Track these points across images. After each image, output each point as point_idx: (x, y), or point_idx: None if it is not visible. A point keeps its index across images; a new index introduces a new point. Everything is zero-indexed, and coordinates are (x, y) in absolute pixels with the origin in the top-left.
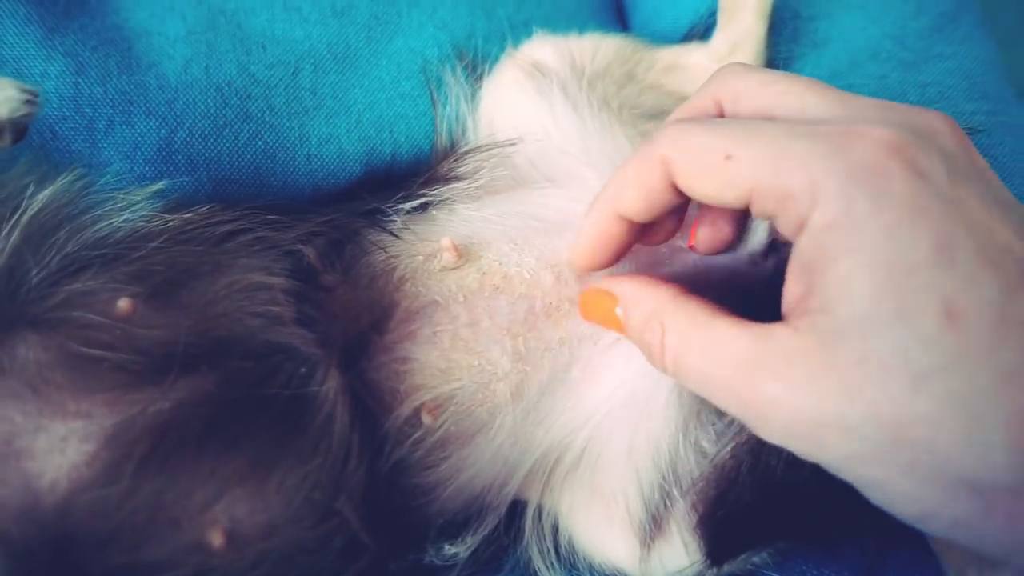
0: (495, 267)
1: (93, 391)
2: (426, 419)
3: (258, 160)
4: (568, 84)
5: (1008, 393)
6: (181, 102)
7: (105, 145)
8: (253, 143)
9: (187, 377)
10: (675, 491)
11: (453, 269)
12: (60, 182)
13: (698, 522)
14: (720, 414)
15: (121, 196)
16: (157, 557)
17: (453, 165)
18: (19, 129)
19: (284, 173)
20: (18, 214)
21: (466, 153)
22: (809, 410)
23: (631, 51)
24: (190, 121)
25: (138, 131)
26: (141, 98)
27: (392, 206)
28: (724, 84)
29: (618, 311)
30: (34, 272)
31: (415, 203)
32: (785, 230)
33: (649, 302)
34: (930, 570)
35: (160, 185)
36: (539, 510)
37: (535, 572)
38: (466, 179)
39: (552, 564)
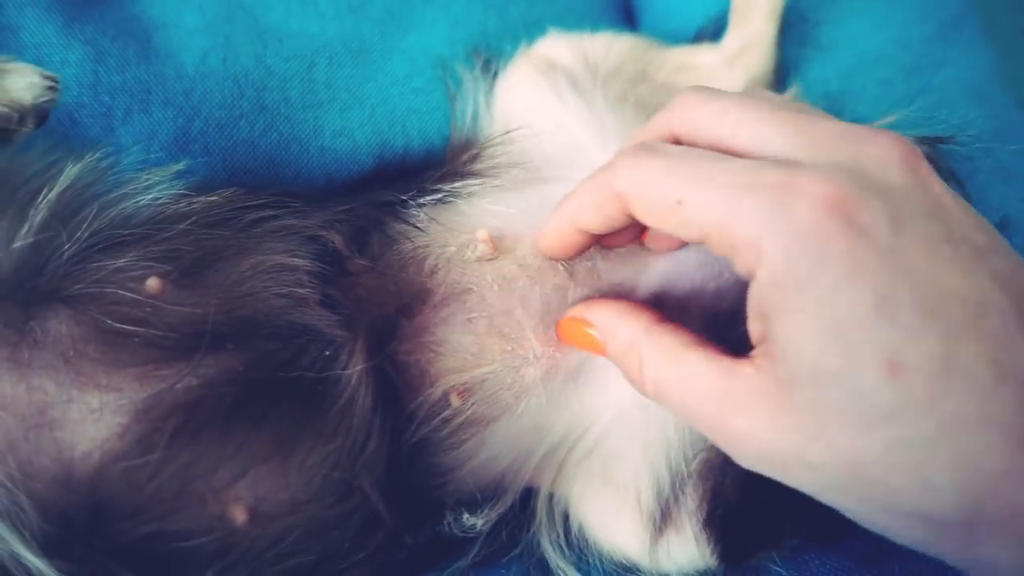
0: (529, 259)
1: (124, 365)
2: (455, 401)
3: (272, 151)
4: (582, 81)
5: (952, 440)
6: (198, 92)
7: (123, 132)
8: (268, 134)
9: (214, 355)
10: (687, 485)
11: (488, 260)
12: (87, 161)
13: (708, 518)
14: None
15: (144, 176)
16: (183, 528)
17: (471, 159)
18: (41, 114)
19: (298, 164)
20: (46, 191)
21: (483, 148)
22: (774, 446)
23: (643, 50)
24: (207, 111)
25: (155, 119)
26: (159, 87)
27: (412, 198)
28: (681, 114)
29: (593, 332)
30: (66, 247)
31: (436, 197)
32: (739, 271)
33: (625, 333)
34: (930, 564)
35: (181, 165)
36: (551, 496)
37: (543, 556)
38: (485, 174)
39: (562, 549)
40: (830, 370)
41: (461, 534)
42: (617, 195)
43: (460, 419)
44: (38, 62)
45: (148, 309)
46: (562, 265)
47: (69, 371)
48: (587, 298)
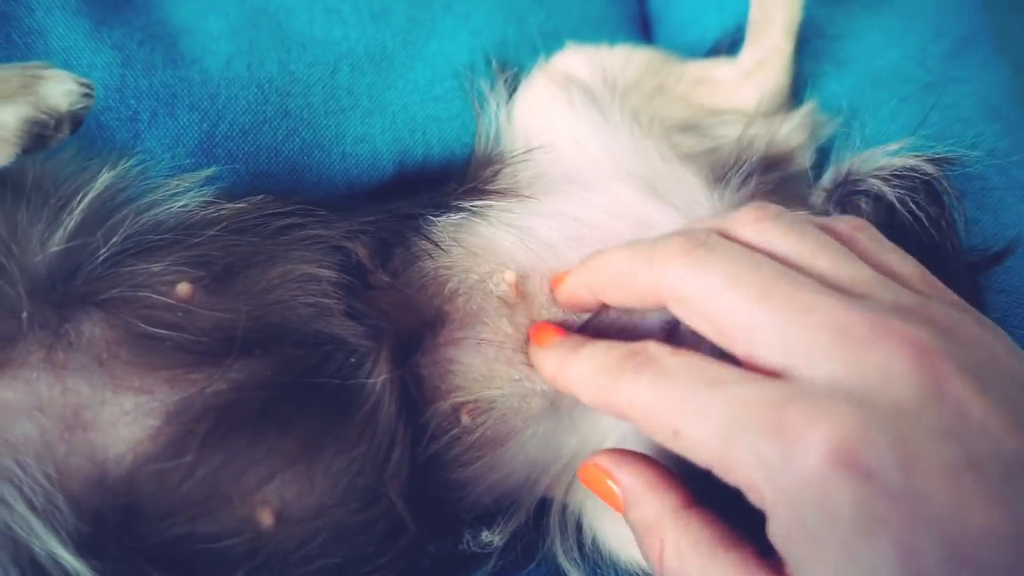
0: (544, 314)
1: (156, 368)
2: (464, 419)
3: (295, 156)
4: (599, 95)
5: None
6: (223, 97)
7: (148, 136)
8: (291, 139)
9: (243, 360)
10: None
11: (511, 304)
12: (120, 167)
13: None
14: None
15: (175, 182)
16: (212, 530)
17: (492, 176)
18: (76, 121)
19: (319, 170)
20: (80, 196)
21: (504, 165)
22: None
23: (661, 63)
24: (231, 116)
25: (181, 124)
26: (184, 92)
27: (435, 214)
28: (672, 287)
29: (615, 489)
30: (101, 251)
31: (458, 216)
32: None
33: (651, 508)
34: None
35: (210, 171)
36: (564, 508)
37: (560, 568)
38: (506, 194)
39: (576, 560)
40: None
41: (479, 550)
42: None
43: (471, 437)
44: (66, 66)
45: (180, 314)
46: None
47: (103, 373)
48: (614, 449)
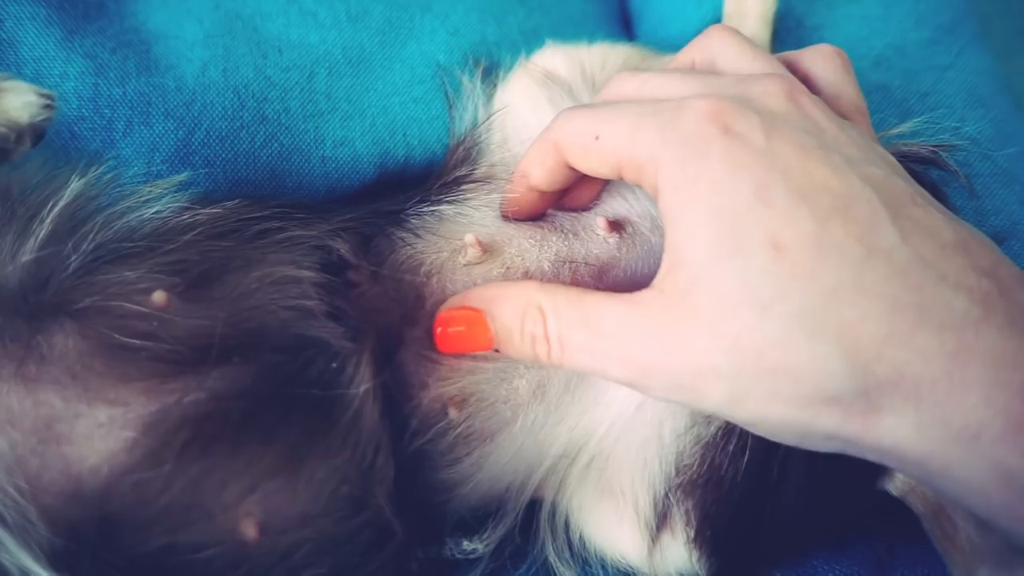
0: (517, 262)
1: (131, 379)
2: (452, 413)
3: (274, 162)
4: (578, 92)
5: (832, 308)
6: (199, 104)
7: (123, 145)
8: (269, 145)
9: (221, 368)
10: (679, 492)
11: (477, 264)
12: (90, 174)
13: (697, 535)
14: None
15: (148, 188)
16: (194, 541)
17: (468, 170)
18: (38, 133)
19: (299, 175)
20: (50, 205)
21: (480, 159)
22: (684, 363)
23: (639, 59)
24: (207, 123)
25: (156, 132)
26: (159, 99)
27: (411, 208)
28: (615, 90)
29: (473, 315)
30: (71, 260)
31: (433, 207)
32: (652, 196)
33: (519, 296)
34: (939, 567)
35: (183, 176)
36: (553, 508)
37: (552, 569)
38: (481, 183)
39: (567, 561)
40: (724, 255)
41: (467, 555)
42: (554, 145)
43: (457, 431)
44: (37, 76)
45: (155, 323)
46: (548, 267)
47: (76, 386)
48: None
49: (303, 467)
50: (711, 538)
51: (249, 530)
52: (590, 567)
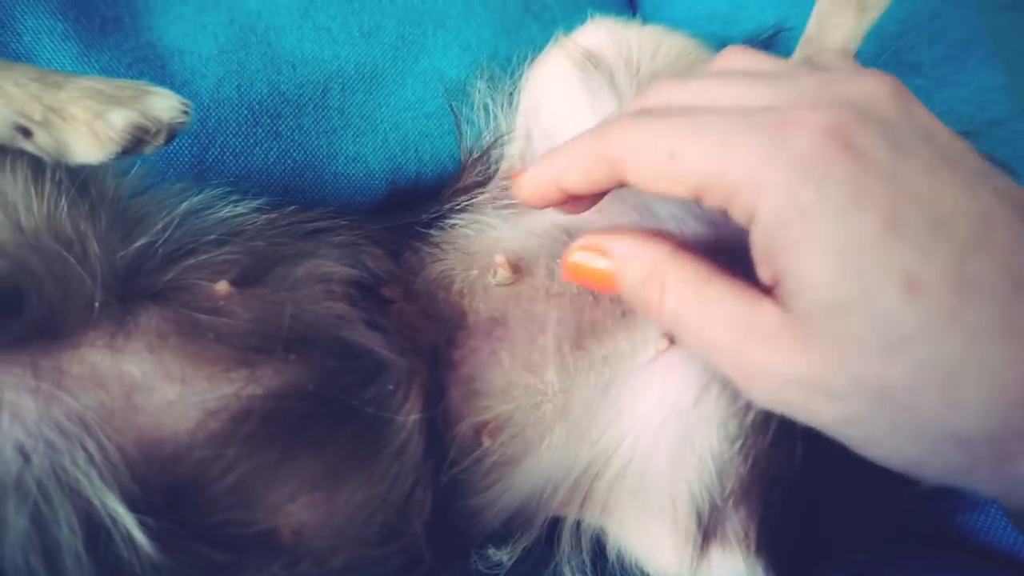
0: (546, 283)
1: (199, 362)
2: (486, 442)
3: (287, 178)
4: (621, 83)
5: (976, 353)
6: (213, 120)
7: (139, 159)
8: (283, 161)
9: (278, 365)
10: (723, 501)
11: (508, 285)
12: (204, 193)
13: (754, 532)
14: (759, 426)
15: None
16: (237, 532)
17: (488, 177)
18: (172, 133)
19: (312, 191)
20: (164, 213)
21: (500, 162)
22: (795, 378)
23: (694, 58)
24: (222, 139)
25: (171, 148)
26: None
27: (432, 221)
28: (663, 95)
29: (606, 265)
30: (159, 250)
31: (454, 219)
32: (737, 220)
33: (647, 259)
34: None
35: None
36: (577, 524)
37: None
38: (504, 190)
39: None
40: (848, 297)
41: (487, 571)
42: (608, 160)
43: (492, 459)
44: None
45: (221, 302)
46: (576, 288)
47: (153, 360)
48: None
49: (344, 487)
50: (768, 546)
51: (285, 533)
52: None
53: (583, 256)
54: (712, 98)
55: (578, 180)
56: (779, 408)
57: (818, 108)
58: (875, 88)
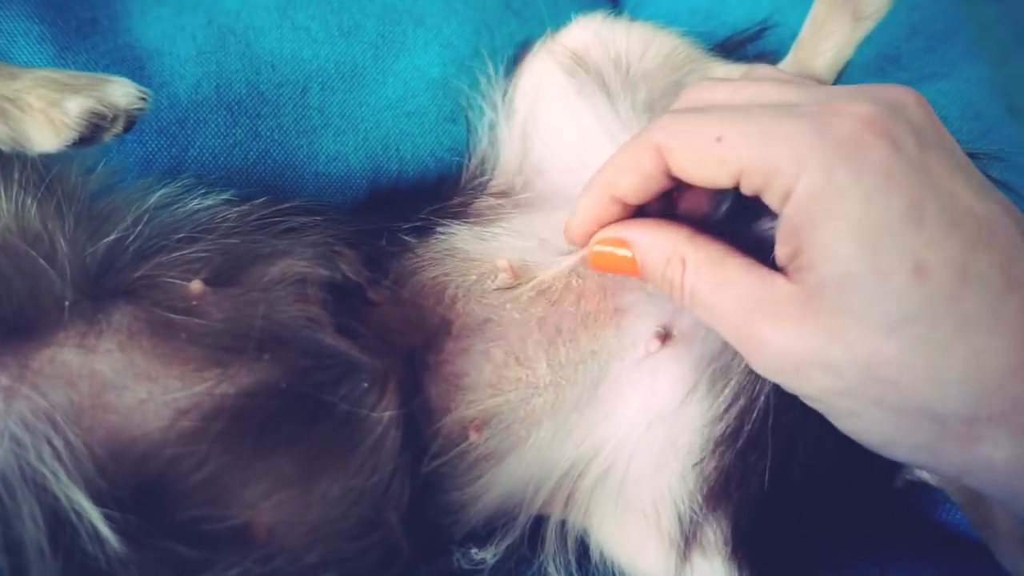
0: (547, 283)
1: (170, 362)
2: (472, 436)
3: (267, 178)
4: (612, 85)
5: (965, 337)
6: (192, 121)
7: (117, 160)
8: (263, 161)
9: (251, 365)
10: (705, 506)
11: (508, 289)
12: (171, 186)
13: (735, 536)
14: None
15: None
16: (210, 529)
17: (484, 182)
18: (131, 120)
19: (293, 191)
20: (132, 208)
21: (496, 170)
22: (795, 349)
23: (684, 58)
24: (201, 140)
25: (149, 149)
26: (152, 117)
27: (424, 228)
28: (697, 96)
29: (628, 252)
30: (130, 248)
31: (450, 225)
32: (771, 201)
33: (667, 243)
34: None
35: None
36: (562, 524)
37: None
38: (499, 195)
39: (573, 575)
40: (861, 274)
41: (470, 568)
42: (655, 148)
43: (476, 454)
44: None
45: (193, 302)
46: (575, 282)
47: (124, 360)
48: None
49: (318, 483)
50: (748, 551)
51: (259, 528)
52: None
53: (605, 248)
54: (750, 96)
55: (629, 178)
56: (776, 378)
57: (858, 101)
58: (903, 95)
